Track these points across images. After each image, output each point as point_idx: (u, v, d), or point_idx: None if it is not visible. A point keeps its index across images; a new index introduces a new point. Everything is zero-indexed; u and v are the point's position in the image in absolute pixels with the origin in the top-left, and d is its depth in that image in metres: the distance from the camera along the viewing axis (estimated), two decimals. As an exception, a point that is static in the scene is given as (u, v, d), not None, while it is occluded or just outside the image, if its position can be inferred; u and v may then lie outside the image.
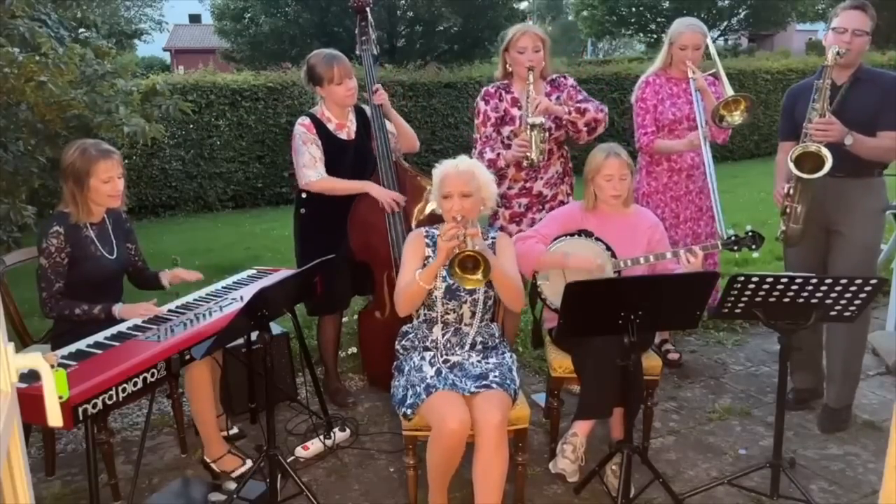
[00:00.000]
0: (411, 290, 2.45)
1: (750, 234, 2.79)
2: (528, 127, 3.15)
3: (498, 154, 3.26)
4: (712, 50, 3.54)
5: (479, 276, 2.24)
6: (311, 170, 3.13)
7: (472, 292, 2.51)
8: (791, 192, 2.94)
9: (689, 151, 3.55)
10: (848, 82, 2.91)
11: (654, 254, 2.77)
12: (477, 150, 3.34)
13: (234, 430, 3.08)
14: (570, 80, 3.42)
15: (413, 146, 3.42)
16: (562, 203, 3.39)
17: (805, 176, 2.80)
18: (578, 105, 3.28)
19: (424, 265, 2.52)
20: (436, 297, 2.52)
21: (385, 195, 3.16)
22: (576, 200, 3.06)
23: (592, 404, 2.58)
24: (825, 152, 2.75)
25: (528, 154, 3.16)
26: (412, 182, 3.30)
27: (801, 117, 2.94)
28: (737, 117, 3.25)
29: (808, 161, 2.79)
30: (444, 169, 2.54)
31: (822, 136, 2.79)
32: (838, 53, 2.78)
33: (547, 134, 3.22)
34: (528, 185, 3.36)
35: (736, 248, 2.80)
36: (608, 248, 2.78)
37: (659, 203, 3.62)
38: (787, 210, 2.99)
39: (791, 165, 2.82)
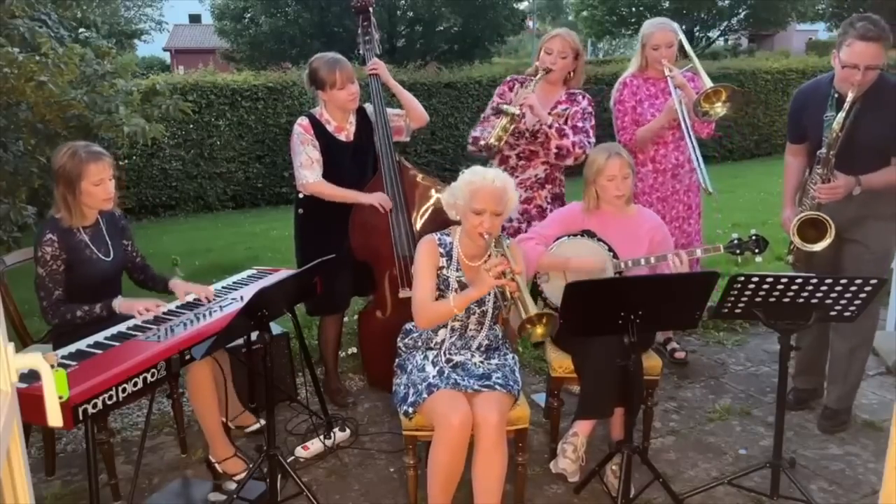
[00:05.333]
0: (441, 312, 2.41)
1: (753, 237, 2.74)
2: (499, 112, 3.18)
3: (482, 133, 3.32)
4: (687, 46, 3.53)
5: (541, 330, 2.22)
6: (308, 170, 3.13)
7: (480, 303, 2.48)
8: (793, 248, 2.93)
9: (673, 150, 3.56)
10: (859, 103, 2.76)
11: (655, 255, 2.77)
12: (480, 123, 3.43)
13: (257, 426, 3.05)
14: (585, 103, 3.39)
15: (422, 119, 3.39)
16: (539, 208, 3.40)
17: (808, 248, 2.80)
18: (575, 125, 3.30)
19: (438, 275, 2.49)
20: None
21: (374, 199, 3.15)
22: (569, 204, 3.05)
23: (592, 404, 2.58)
24: (831, 224, 2.74)
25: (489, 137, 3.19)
26: (415, 182, 3.30)
27: (810, 123, 2.90)
28: (719, 108, 3.25)
29: (813, 225, 2.78)
30: (478, 181, 2.38)
31: (828, 199, 2.79)
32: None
33: (512, 126, 3.22)
34: None
35: (738, 251, 2.75)
36: (610, 249, 2.78)
37: (646, 204, 3.59)
38: (793, 249, 2.96)
39: (794, 233, 2.82)
